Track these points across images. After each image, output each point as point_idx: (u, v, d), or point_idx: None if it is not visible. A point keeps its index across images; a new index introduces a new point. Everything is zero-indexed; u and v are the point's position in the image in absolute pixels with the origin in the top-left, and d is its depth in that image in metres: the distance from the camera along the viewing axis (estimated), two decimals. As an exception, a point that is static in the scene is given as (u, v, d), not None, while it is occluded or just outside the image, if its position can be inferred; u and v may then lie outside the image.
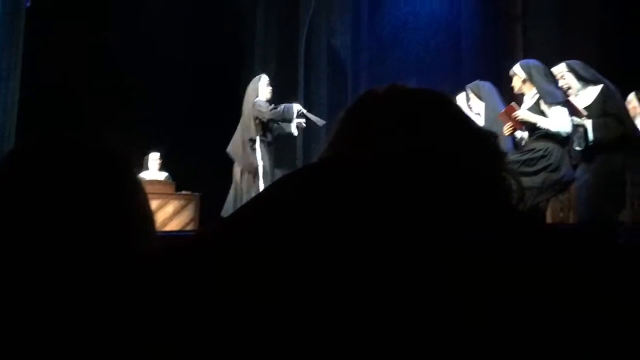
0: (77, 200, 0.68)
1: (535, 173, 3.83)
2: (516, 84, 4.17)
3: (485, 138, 0.77)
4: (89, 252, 0.65)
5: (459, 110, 0.79)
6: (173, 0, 8.51)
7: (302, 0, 8.60)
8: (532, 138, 4.04)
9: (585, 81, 4.04)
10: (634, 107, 4.55)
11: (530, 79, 4.04)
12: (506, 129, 4.10)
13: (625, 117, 3.91)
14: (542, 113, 3.98)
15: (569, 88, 4.10)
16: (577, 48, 4.32)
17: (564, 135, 3.93)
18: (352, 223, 0.53)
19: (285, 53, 8.49)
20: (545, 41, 5.06)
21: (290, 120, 5.36)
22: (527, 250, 0.54)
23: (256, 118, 5.31)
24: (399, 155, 0.63)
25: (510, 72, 4.24)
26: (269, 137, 5.45)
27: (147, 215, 0.76)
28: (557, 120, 3.92)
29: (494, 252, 0.53)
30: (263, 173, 5.26)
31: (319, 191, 0.57)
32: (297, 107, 5.40)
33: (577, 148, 4.00)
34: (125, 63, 7.79)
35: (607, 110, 3.91)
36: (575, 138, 4.03)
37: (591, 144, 3.92)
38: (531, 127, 4.02)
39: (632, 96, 4.63)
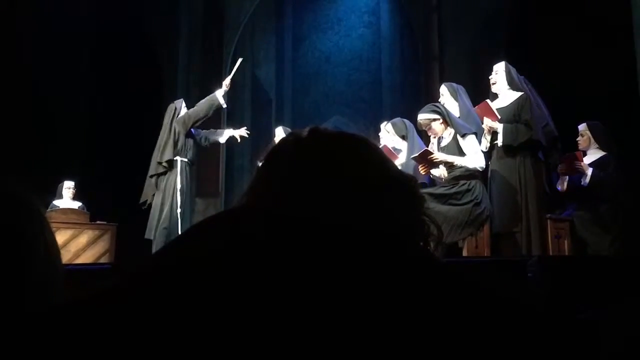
0: None
1: (462, 206, 3.97)
2: (437, 127, 4.21)
3: (405, 183, 0.79)
4: None
5: (379, 156, 0.80)
6: (91, 26, 8.29)
7: (226, 31, 8.63)
8: (451, 175, 4.15)
9: (512, 85, 4.36)
10: (587, 139, 4.70)
11: (448, 118, 4.20)
12: (422, 169, 4.24)
13: (534, 125, 4.19)
14: (460, 148, 4.14)
15: (494, 83, 4.41)
16: (488, 85, 4.59)
17: (480, 170, 4.12)
18: (246, 281, 0.54)
19: (209, 81, 8.44)
20: (460, 80, 5.35)
21: (219, 108, 5.30)
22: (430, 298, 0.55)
23: (176, 137, 5.26)
24: (310, 211, 0.64)
25: (425, 120, 4.22)
26: (188, 157, 5.32)
27: (53, 254, 0.72)
28: (473, 157, 4.08)
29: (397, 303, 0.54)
30: (180, 193, 5.12)
31: (223, 246, 0.57)
32: (218, 93, 5.31)
33: (483, 149, 4.23)
34: (39, 87, 7.47)
35: (521, 117, 4.20)
36: (482, 139, 4.30)
37: (500, 146, 4.21)
38: (450, 165, 4.15)
39: (583, 127, 4.76)
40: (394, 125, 4.77)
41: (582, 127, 4.80)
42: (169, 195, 5.14)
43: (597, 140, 4.72)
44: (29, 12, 7.41)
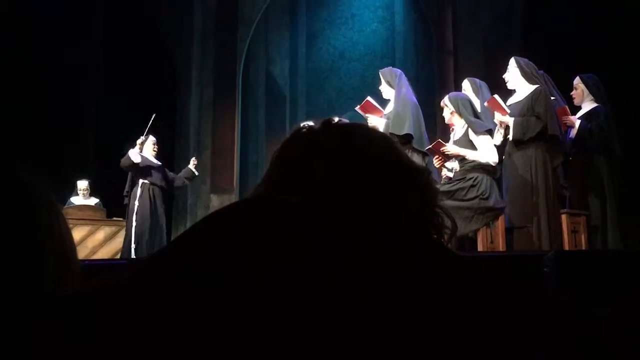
0: None
1: (467, 201, 3.96)
2: (446, 115, 4.36)
3: (418, 174, 0.78)
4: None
5: (392, 147, 0.80)
6: (105, 25, 8.35)
7: (240, 27, 8.64)
8: (462, 168, 4.16)
9: (527, 78, 4.33)
10: (581, 92, 4.71)
11: (458, 111, 4.22)
12: (436, 161, 4.28)
13: (546, 118, 4.15)
14: (471, 142, 4.15)
15: (508, 81, 4.42)
16: (502, 80, 4.57)
17: (493, 164, 4.11)
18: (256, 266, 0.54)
19: (222, 78, 8.46)
20: (475, 75, 5.33)
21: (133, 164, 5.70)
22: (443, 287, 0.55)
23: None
24: (322, 201, 0.64)
25: (442, 104, 4.41)
26: (149, 180, 5.72)
27: (67, 247, 0.72)
28: (485, 152, 4.09)
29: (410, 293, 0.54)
30: (139, 211, 5.55)
31: (233, 235, 0.58)
32: (131, 153, 5.73)
33: (496, 144, 4.24)
34: (51, 87, 7.54)
35: (533, 110, 4.18)
36: (496, 134, 4.31)
37: (511, 140, 4.19)
38: (461, 158, 4.17)
39: (577, 81, 4.76)
40: (382, 74, 4.73)
41: (576, 80, 4.75)
42: (130, 214, 5.61)
43: (591, 92, 4.66)
44: (41, 11, 7.48)
